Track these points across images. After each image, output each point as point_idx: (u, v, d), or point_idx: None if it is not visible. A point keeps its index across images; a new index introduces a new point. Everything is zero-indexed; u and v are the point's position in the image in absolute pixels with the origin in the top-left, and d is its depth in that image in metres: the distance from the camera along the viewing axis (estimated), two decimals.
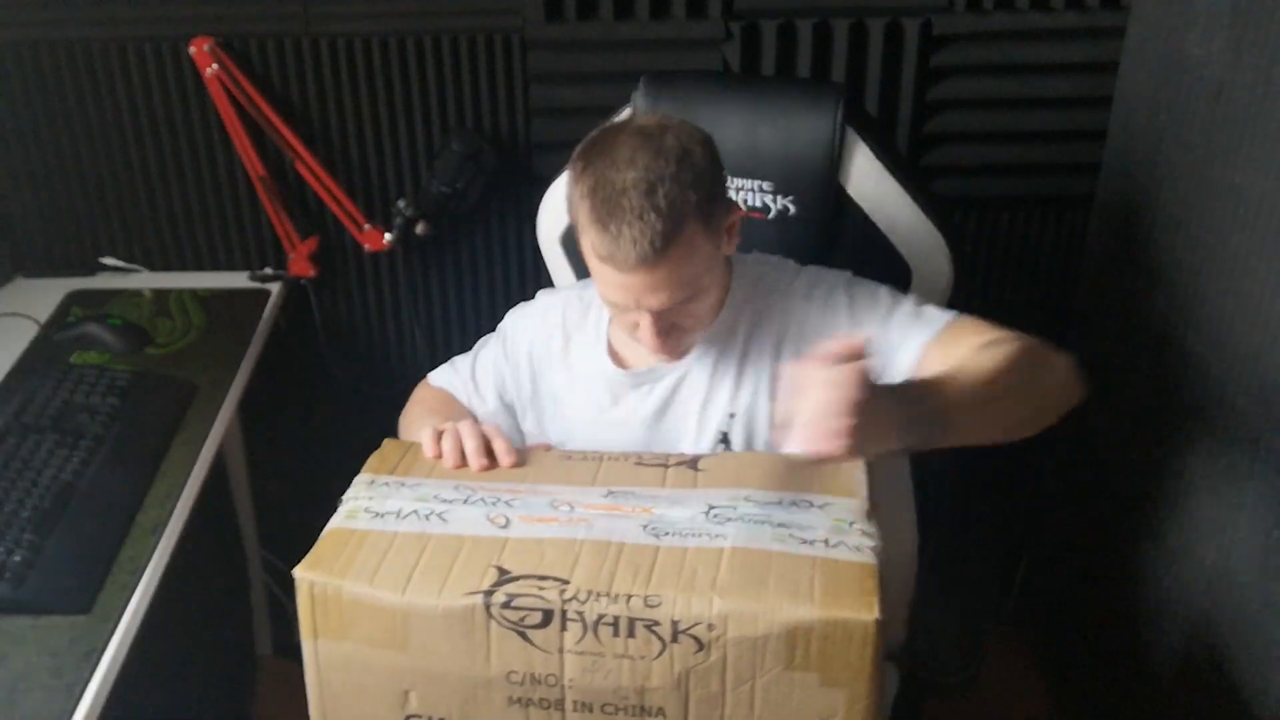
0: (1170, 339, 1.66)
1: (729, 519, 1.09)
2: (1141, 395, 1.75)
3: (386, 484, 1.17)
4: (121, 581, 1.31)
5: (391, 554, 1.05)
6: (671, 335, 1.30)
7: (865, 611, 0.96)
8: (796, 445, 1.02)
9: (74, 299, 1.94)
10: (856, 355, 1.03)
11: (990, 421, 1.17)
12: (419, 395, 1.52)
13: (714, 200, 1.25)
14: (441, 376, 1.52)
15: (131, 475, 1.48)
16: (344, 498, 1.15)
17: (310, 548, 1.12)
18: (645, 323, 1.27)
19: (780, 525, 1.07)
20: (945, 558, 1.55)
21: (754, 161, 1.51)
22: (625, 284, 1.23)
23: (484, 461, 1.21)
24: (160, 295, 1.96)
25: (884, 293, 1.36)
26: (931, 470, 1.62)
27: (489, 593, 0.99)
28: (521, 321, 1.49)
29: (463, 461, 1.21)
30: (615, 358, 1.41)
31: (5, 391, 1.64)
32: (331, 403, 2.16)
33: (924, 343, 1.28)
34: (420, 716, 1.05)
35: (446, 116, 1.97)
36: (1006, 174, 2.02)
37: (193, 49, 1.88)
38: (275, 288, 2.01)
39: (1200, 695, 1.60)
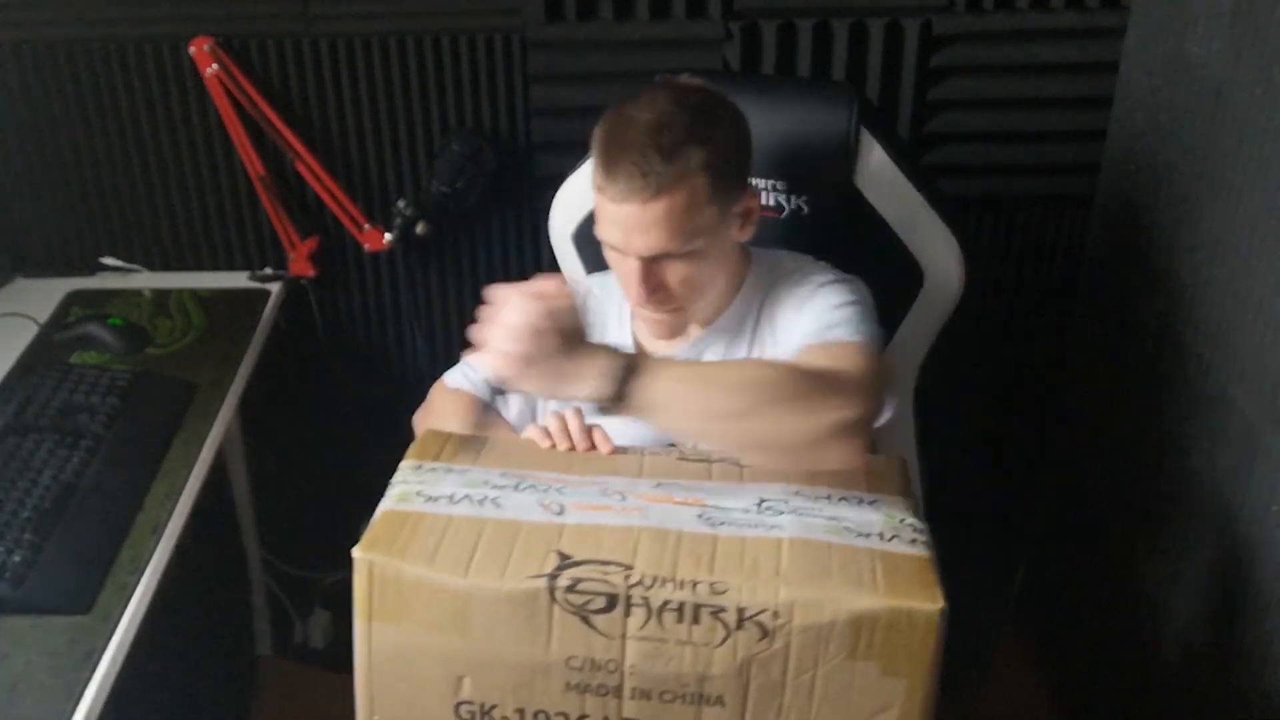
0: (1170, 339, 1.66)
1: (782, 511, 1.09)
2: (1141, 394, 1.75)
3: (434, 469, 1.16)
4: (121, 581, 1.31)
5: (449, 536, 1.04)
6: (659, 296, 1.28)
7: (930, 601, 0.97)
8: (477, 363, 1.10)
9: (74, 299, 1.94)
10: (557, 295, 1.12)
11: (712, 425, 1.14)
12: (436, 398, 1.49)
13: (726, 167, 1.25)
14: (457, 378, 1.49)
15: (131, 475, 1.48)
16: (392, 481, 1.13)
17: (310, 548, 1.12)
18: (632, 269, 1.26)
19: (832, 518, 1.08)
20: (947, 558, 1.55)
21: (768, 161, 1.51)
22: (616, 217, 1.24)
23: (586, 444, 1.22)
24: (160, 295, 1.96)
25: (850, 301, 1.30)
26: (933, 472, 1.63)
27: (553, 575, 0.99)
28: None
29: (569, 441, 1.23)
30: (639, 349, 1.41)
31: (5, 391, 1.64)
32: (331, 403, 2.16)
33: (806, 342, 1.26)
34: (471, 703, 1.03)
35: (446, 116, 1.97)
36: (1006, 174, 2.02)
37: (193, 49, 1.88)
38: (275, 288, 2.00)
39: (1200, 695, 1.60)
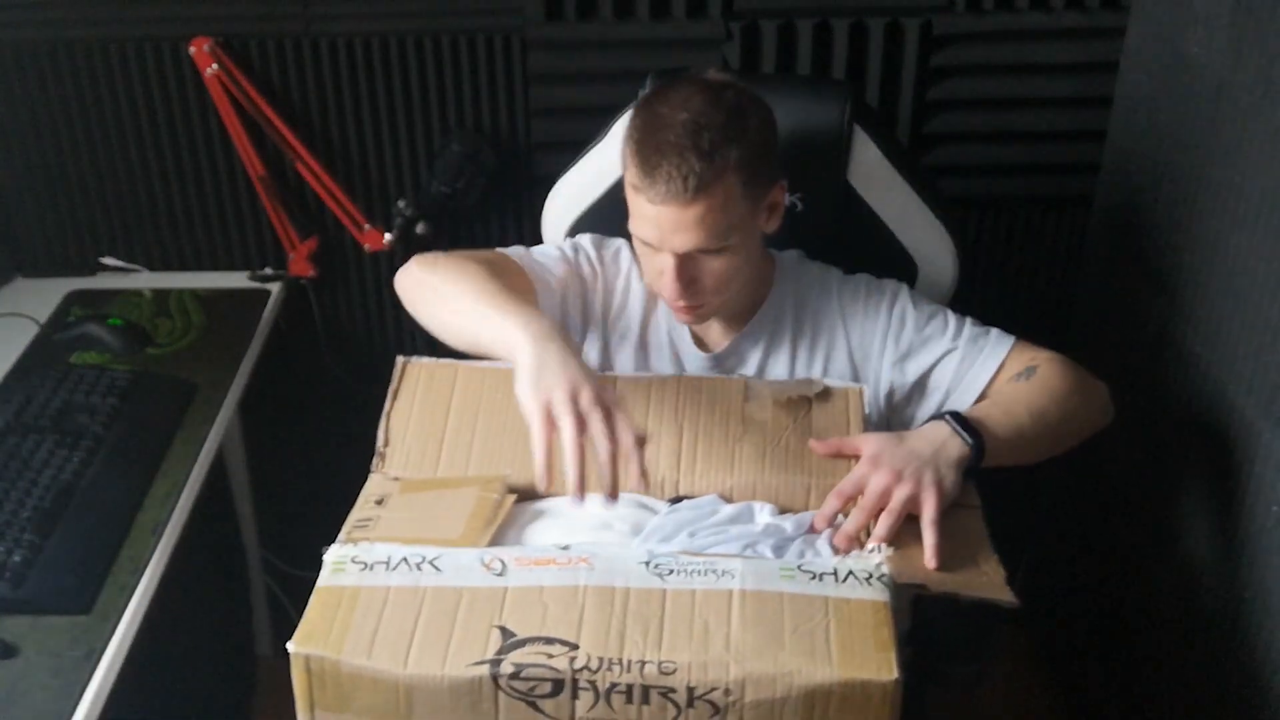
0: (1170, 339, 1.66)
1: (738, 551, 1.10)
2: (1141, 395, 1.75)
3: (370, 519, 1.14)
4: (121, 581, 1.31)
5: (387, 615, 1.00)
6: (691, 290, 1.30)
7: (885, 672, 0.95)
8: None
9: (74, 299, 1.94)
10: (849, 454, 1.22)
11: (1029, 454, 1.29)
12: (483, 255, 1.38)
13: (758, 164, 1.28)
14: (520, 251, 1.44)
15: (131, 475, 1.48)
16: (328, 549, 1.10)
17: (310, 548, 1.11)
18: (668, 266, 1.28)
19: (786, 561, 1.07)
20: None
21: None
22: (654, 218, 1.25)
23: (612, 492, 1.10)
24: (160, 295, 1.96)
25: (946, 312, 1.42)
26: None
27: (496, 661, 0.96)
28: (611, 253, 1.47)
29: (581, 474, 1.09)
30: (695, 339, 1.44)
31: (5, 391, 1.64)
32: (331, 403, 2.16)
33: (995, 370, 1.36)
34: None
35: (446, 116, 1.97)
36: (1006, 174, 2.02)
37: (193, 49, 1.88)
38: (275, 288, 2.00)
39: (1200, 693, 1.60)
